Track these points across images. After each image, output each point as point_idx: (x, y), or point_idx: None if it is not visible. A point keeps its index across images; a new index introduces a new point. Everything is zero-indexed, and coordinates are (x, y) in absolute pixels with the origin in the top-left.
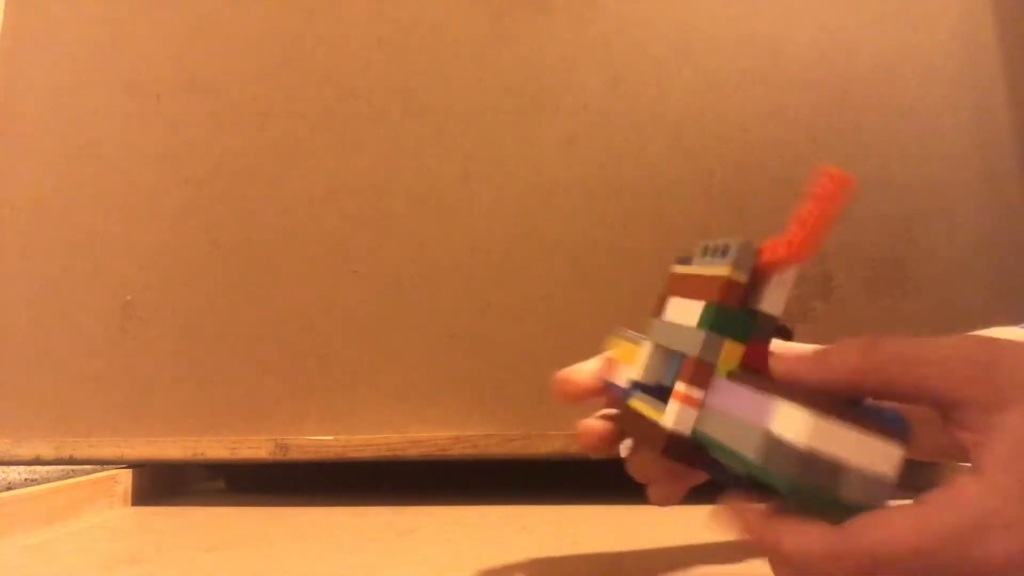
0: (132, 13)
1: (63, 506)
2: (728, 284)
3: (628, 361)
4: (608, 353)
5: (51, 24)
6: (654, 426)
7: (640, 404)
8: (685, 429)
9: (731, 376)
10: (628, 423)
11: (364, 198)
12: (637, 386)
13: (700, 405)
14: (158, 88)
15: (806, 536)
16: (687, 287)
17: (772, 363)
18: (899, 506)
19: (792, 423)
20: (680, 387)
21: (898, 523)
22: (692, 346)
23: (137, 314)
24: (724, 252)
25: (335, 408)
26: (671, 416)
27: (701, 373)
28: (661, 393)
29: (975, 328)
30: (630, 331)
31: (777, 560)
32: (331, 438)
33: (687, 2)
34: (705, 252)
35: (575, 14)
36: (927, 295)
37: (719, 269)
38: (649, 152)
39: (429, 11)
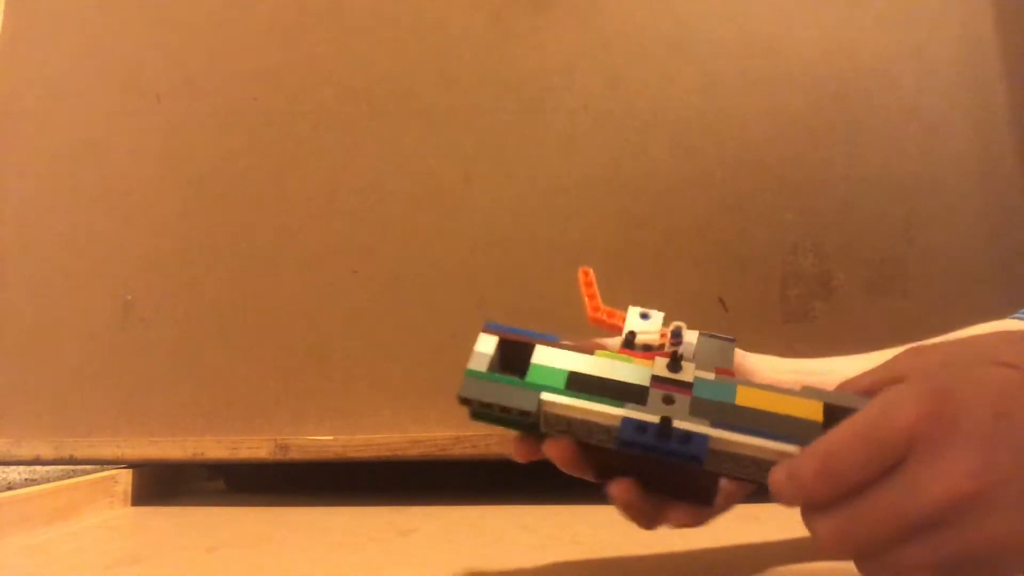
0: (132, 13)
1: (63, 506)
2: None
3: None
4: None
5: (50, 24)
6: None
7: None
8: None
9: None
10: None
11: (364, 198)
12: None
13: None
14: (158, 88)
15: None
16: None
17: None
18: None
19: None
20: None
21: (840, 429)
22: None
23: (137, 314)
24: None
25: (335, 408)
26: None
27: None
28: None
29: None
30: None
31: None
32: (331, 438)
33: (687, 2)
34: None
35: (575, 14)
36: (927, 295)
37: None
38: (649, 152)
39: (429, 11)
